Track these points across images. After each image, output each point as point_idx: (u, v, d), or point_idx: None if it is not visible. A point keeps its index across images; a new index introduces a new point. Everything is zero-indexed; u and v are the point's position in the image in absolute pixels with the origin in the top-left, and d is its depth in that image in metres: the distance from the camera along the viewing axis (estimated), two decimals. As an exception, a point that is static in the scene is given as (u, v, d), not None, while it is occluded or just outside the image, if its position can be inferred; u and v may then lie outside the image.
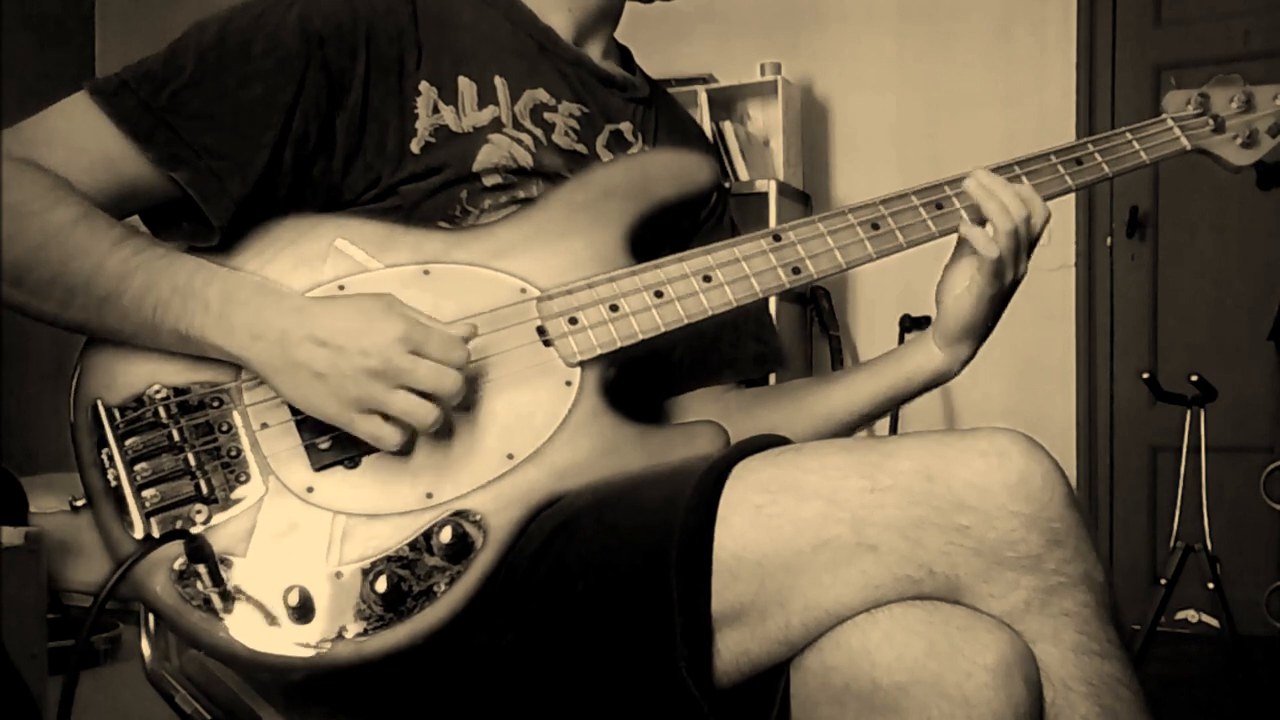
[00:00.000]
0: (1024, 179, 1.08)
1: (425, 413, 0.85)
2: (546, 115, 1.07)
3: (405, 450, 0.88)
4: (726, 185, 1.22)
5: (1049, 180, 1.09)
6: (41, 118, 0.94)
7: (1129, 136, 1.15)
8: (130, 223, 0.93)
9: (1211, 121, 1.18)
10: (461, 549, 0.86)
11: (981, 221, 1.04)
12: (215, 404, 0.88)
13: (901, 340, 3.50)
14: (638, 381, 1.04)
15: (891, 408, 1.14)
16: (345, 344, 0.85)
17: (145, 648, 1.03)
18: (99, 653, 2.26)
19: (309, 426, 0.88)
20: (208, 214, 0.93)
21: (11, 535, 1.89)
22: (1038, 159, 1.10)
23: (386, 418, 0.86)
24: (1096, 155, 1.12)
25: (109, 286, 0.87)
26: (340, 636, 0.83)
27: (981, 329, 1.07)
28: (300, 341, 0.86)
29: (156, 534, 0.83)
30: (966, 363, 1.09)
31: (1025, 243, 1.03)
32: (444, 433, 0.90)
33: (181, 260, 0.89)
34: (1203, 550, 2.62)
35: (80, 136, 0.92)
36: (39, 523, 2.09)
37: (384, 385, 0.85)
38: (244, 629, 0.82)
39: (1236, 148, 1.19)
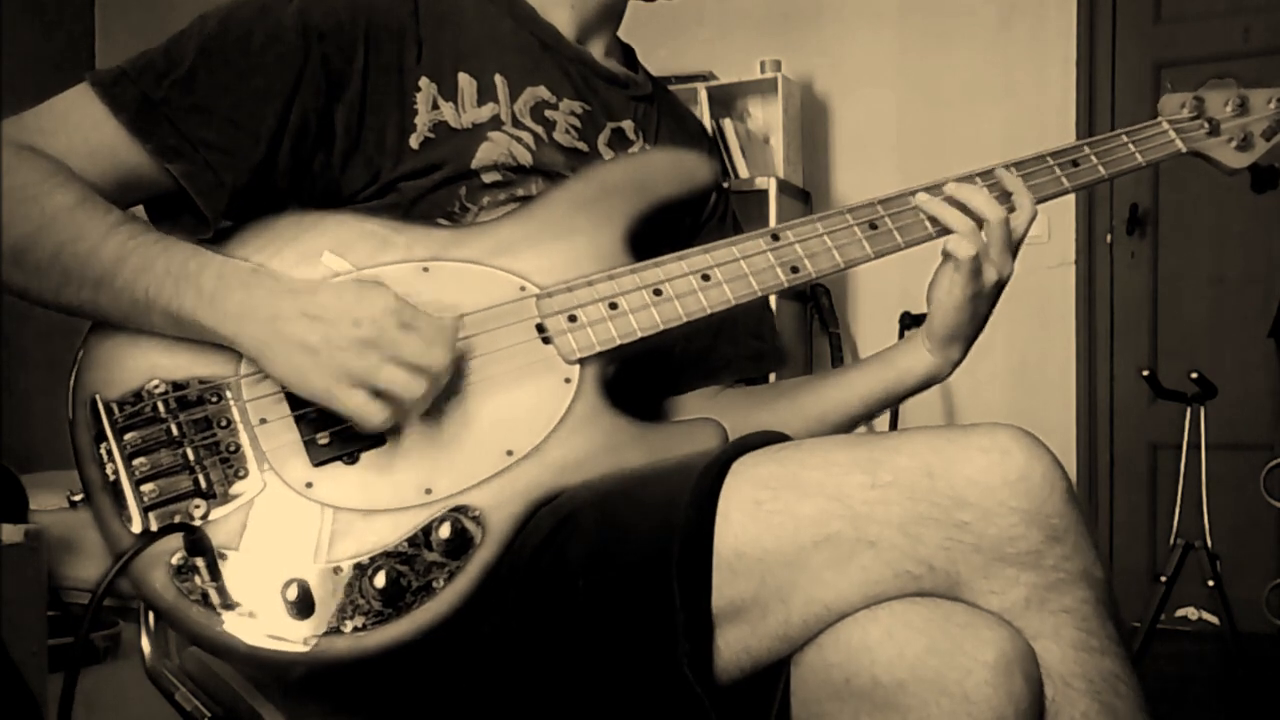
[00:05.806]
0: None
1: (414, 386, 0.85)
2: (547, 113, 1.07)
3: (392, 436, 0.88)
4: (726, 184, 1.22)
5: (1046, 181, 1.10)
6: (44, 108, 0.94)
7: (1125, 139, 1.15)
8: (133, 213, 0.93)
9: (1206, 124, 1.18)
10: (460, 545, 0.86)
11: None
12: (214, 399, 0.88)
13: (901, 338, 3.48)
14: (637, 379, 1.04)
15: (885, 407, 1.13)
16: (338, 317, 0.85)
17: (145, 645, 1.03)
18: (99, 650, 2.26)
19: (308, 422, 0.88)
20: (201, 206, 0.94)
21: (11, 533, 1.89)
22: (1034, 160, 1.10)
23: (374, 396, 0.85)
24: (1092, 157, 1.12)
25: (104, 268, 0.87)
26: (339, 631, 0.83)
27: (966, 331, 1.06)
28: (293, 318, 0.86)
29: (155, 528, 0.83)
30: (957, 364, 1.09)
31: (1002, 242, 1.03)
32: (443, 428, 0.90)
33: (177, 245, 0.90)
34: (1203, 547, 2.62)
35: (81, 126, 0.93)
36: (39, 520, 2.08)
37: (375, 356, 0.84)
38: (242, 624, 0.82)
39: (1232, 150, 1.19)
